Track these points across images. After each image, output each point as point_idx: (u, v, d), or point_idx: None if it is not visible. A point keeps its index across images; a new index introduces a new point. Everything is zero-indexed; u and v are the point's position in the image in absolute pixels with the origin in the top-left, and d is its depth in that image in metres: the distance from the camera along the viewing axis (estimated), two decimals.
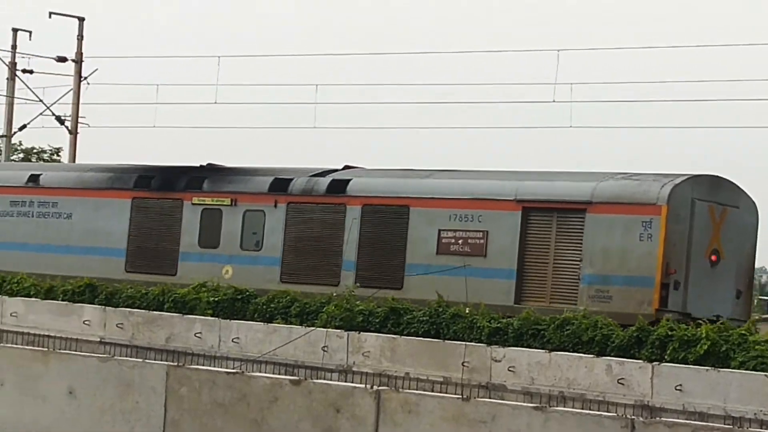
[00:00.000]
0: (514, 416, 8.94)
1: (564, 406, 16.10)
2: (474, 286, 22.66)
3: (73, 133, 37.79)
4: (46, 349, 17.70)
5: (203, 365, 17.47)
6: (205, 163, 28.80)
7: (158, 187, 28.37)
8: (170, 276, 26.35)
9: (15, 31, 37.88)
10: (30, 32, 38.54)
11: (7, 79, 37.93)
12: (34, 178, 30.65)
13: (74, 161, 37.90)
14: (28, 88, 38.24)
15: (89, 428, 11.73)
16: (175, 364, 14.90)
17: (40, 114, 38.33)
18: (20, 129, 39.07)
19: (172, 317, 23.64)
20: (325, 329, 22.06)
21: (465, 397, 11.33)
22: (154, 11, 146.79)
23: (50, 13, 37.60)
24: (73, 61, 37.55)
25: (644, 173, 24.10)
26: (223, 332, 22.65)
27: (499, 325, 20.90)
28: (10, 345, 17.76)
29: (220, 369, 15.76)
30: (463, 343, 20.61)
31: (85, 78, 37.47)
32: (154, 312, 23.78)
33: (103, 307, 24.31)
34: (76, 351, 19.31)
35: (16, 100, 38.32)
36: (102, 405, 12.04)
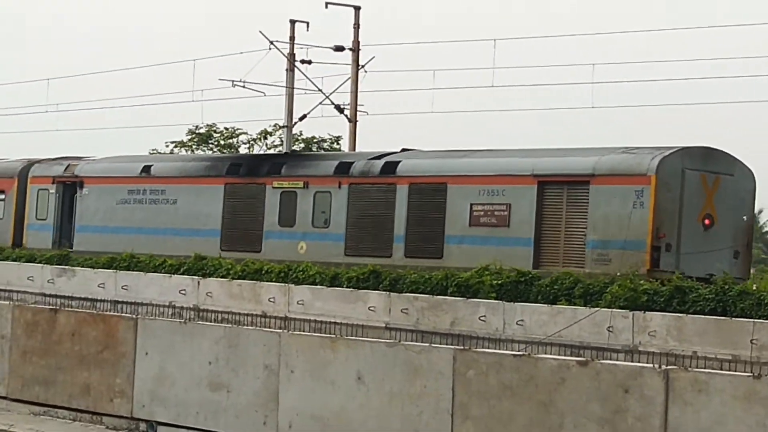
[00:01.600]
0: None
1: None
2: (500, 254, 25.03)
3: (353, 121, 38.02)
4: (334, 335, 18.54)
5: (488, 348, 17.52)
6: (292, 151, 33.74)
7: (245, 174, 31.45)
8: (256, 253, 29.04)
9: (293, 22, 38.60)
10: (307, 23, 39.60)
11: (287, 70, 38.21)
12: (146, 169, 33.81)
13: (354, 149, 38.60)
14: (307, 78, 38.62)
15: (378, 413, 12.16)
16: (462, 347, 15.18)
17: (320, 104, 39.00)
18: (300, 119, 39.81)
19: (456, 301, 23.88)
20: (610, 309, 22.06)
21: (756, 374, 10.66)
22: None
23: (326, 3, 38.53)
24: (350, 50, 37.72)
25: (643, 147, 26.29)
26: (507, 315, 22.77)
27: None
28: (299, 332, 18.74)
29: (506, 352, 15.78)
30: (752, 320, 20.55)
31: (363, 66, 37.75)
32: (438, 297, 24.16)
33: (387, 293, 24.90)
34: (362, 337, 19.92)
35: (295, 91, 38.87)
36: (390, 390, 12.49)
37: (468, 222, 26.68)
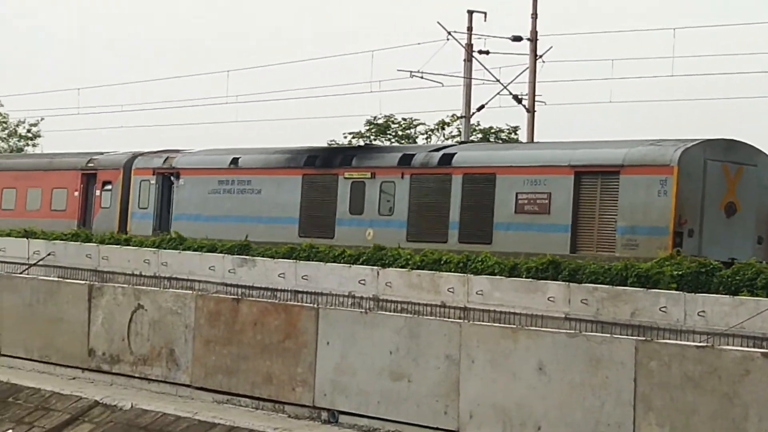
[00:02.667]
0: None
1: None
2: (541, 239, 27.81)
3: (531, 111, 37.67)
4: (514, 326, 18.37)
5: (669, 339, 17.26)
6: (364, 143, 35.12)
7: (320, 165, 33.98)
8: (330, 239, 31.29)
9: (470, 13, 38.64)
10: (485, 13, 39.44)
11: (464, 60, 38.07)
12: (234, 161, 36.51)
13: (532, 140, 38.44)
14: (485, 68, 38.40)
15: (560, 403, 12.03)
16: (644, 339, 14.87)
17: (497, 94, 38.77)
18: (478, 109, 39.57)
19: (636, 292, 23.26)
20: None
21: None
22: None
23: None
24: (528, 39, 37.31)
25: (669, 139, 27.93)
26: (689, 306, 22.12)
27: None
28: (479, 323, 19.01)
29: (689, 343, 15.25)
30: None
31: (540, 56, 37.37)
32: (618, 287, 23.82)
33: (567, 283, 24.67)
34: (542, 327, 19.77)
35: (473, 81, 38.67)
36: (571, 380, 11.85)
37: (514, 209, 29.01)
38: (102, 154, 43.42)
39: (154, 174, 37.98)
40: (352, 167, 33.09)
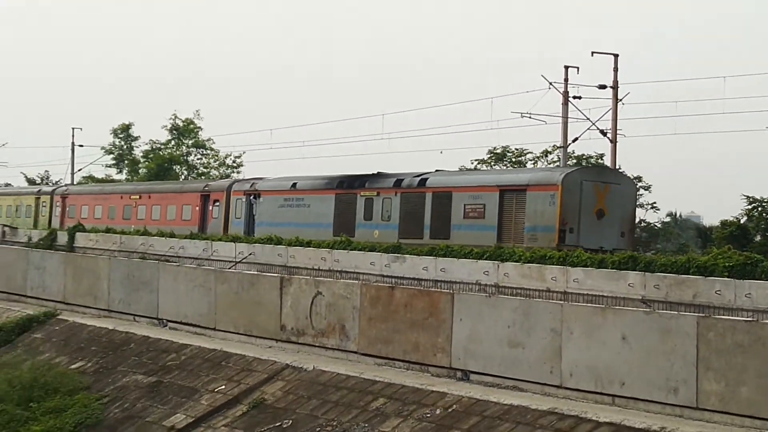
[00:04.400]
0: None
1: None
2: (480, 235, 32.84)
3: (613, 142, 39.86)
4: (602, 306, 18.97)
5: (723, 315, 18.02)
6: (375, 172, 41.19)
7: (346, 187, 39.95)
8: (351, 237, 36.27)
9: (566, 67, 41.60)
10: (577, 68, 42.52)
11: (562, 104, 40.63)
12: (293, 185, 42.86)
13: (614, 165, 41.02)
14: (578, 109, 41.11)
15: (638, 365, 13.45)
16: (703, 315, 16.13)
17: (587, 129, 41.74)
18: (573, 141, 42.51)
19: (696, 279, 24.54)
20: None
21: None
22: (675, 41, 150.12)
23: (592, 53, 41.86)
24: (611, 87, 39.84)
25: (559, 167, 35.36)
26: (738, 290, 23.21)
27: None
28: (576, 303, 19.82)
29: (738, 318, 15.97)
30: None
31: (620, 100, 39.87)
32: (682, 275, 25.15)
33: (643, 273, 25.85)
34: (624, 307, 19.67)
35: (569, 120, 41.78)
36: (648, 347, 12.99)
37: (463, 216, 34.68)
38: (214, 181, 52.97)
39: (244, 194, 44.80)
40: (365, 188, 39.32)
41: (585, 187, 32.22)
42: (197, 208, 46.10)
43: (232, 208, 43.82)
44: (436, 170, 38.94)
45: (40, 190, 60.06)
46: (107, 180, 66.45)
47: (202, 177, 61.93)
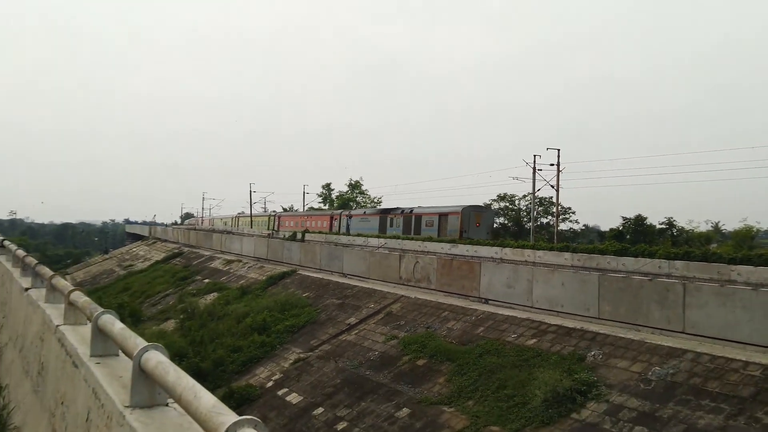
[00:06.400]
0: None
1: None
2: (432, 233, 37.80)
3: (557, 190, 56.90)
4: (552, 268, 16.53)
5: (611, 274, 15.40)
6: (395, 207, 47.74)
7: (382, 213, 46.16)
8: (384, 234, 41.78)
9: (534, 156, 42.26)
10: (540, 155, 47.68)
11: (532, 172, 40.24)
12: (365, 212, 49.63)
13: (558, 202, 45.33)
14: (540, 175, 43.09)
15: (570, 296, 13.63)
16: (602, 273, 15.54)
17: (545, 184, 47.69)
18: (538, 190, 45.37)
19: (598, 256, 23.35)
20: None
21: None
22: None
23: (547, 148, 45.05)
24: (556, 165, 47.47)
25: (462, 205, 39.09)
26: (618, 262, 22.30)
27: None
28: (539, 267, 17.57)
29: (618, 275, 14.53)
30: None
31: (561, 170, 49.76)
32: (592, 254, 23.64)
33: (572, 253, 24.27)
34: (563, 269, 18.13)
35: (536, 180, 42.54)
36: (574, 288, 13.36)
37: (425, 225, 40.22)
38: (335, 209, 63.24)
39: (344, 216, 51.79)
40: (390, 214, 44.90)
41: (470, 213, 38.30)
42: (326, 222, 53.71)
43: (342, 222, 50.55)
44: (418, 206, 44.35)
45: (270, 214, 72.84)
46: (313, 209, 72.61)
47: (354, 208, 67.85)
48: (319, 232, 47.73)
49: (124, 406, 2.64)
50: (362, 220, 48.14)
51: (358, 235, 41.53)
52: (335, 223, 52.18)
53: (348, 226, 49.19)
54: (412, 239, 34.95)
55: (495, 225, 44.05)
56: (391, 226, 43.25)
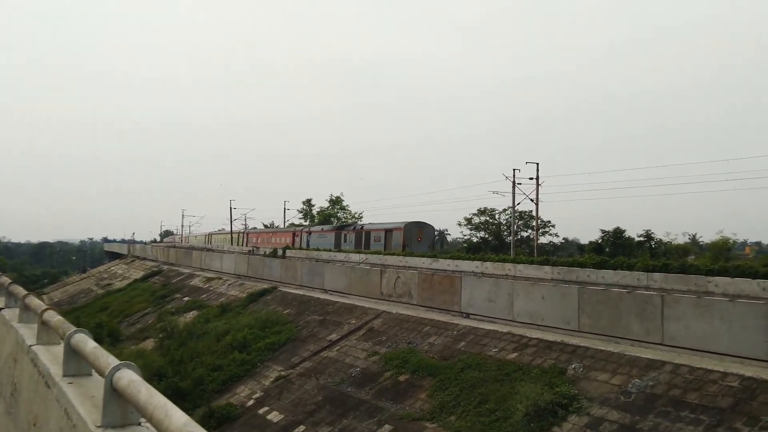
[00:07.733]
0: None
1: None
2: (379, 247, 40.61)
3: (536, 204, 53.58)
4: (532, 282, 17.79)
5: (591, 287, 15.37)
6: (349, 222, 54.01)
7: (338, 229, 47.99)
8: (339, 249, 44.34)
9: (514, 170, 43.50)
10: (519, 169, 52.07)
11: (512, 186, 42.13)
12: (322, 228, 53.11)
13: (537, 216, 49.79)
14: (520, 190, 43.73)
15: (551, 310, 13.63)
16: (581, 286, 15.27)
17: (524, 198, 44.51)
18: (518, 204, 45.76)
19: (578, 269, 23.42)
20: None
21: None
22: None
23: (526, 162, 55.77)
24: (535, 178, 41.34)
25: (406, 221, 42.48)
26: (597, 274, 22.45)
27: None
28: (519, 281, 17.41)
29: (598, 288, 14.81)
30: None
31: (540, 184, 42.18)
32: (571, 267, 23.95)
33: (551, 266, 24.45)
34: (543, 282, 18.02)
35: (516, 194, 43.54)
36: (555, 301, 13.36)
37: (373, 240, 42.79)
38: (296, 226, 67.19)
39: (305, 233, 54.63)
40: (344, 230, 47.55)
41: (413, 228, 41.40)
42: (289, 238, 56.00)
43: (303, 238, 53.20)
44: (369, 222, 47.81)
45: (240, 231, 75.73)
46: (294, 225, 73.53)
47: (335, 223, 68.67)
48: (287, 248, 50.55)
49: (96, 426, 2.62)
50: (320, 236, 51.60)
51: (316, 249, 45.21)
52: (297, 239, 55.29)
53: (308, 241, 52.61)
54: (360, 252, 38.74)
55: (438, 239, 48.42)
56: (345, 241, 46.50)
